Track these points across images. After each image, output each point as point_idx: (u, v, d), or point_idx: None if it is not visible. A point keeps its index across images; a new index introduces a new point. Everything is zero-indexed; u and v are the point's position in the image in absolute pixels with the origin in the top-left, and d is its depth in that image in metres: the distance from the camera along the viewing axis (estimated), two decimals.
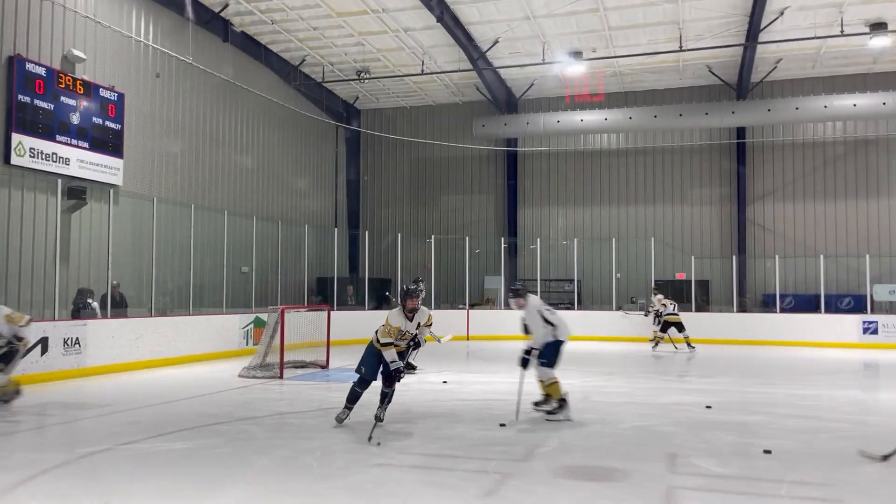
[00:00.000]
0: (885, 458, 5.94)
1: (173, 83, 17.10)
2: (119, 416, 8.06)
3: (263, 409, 8.59)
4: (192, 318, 14.16)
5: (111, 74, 15.14)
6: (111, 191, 13.95)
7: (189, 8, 16.43)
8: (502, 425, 7.54)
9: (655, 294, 17.73)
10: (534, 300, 8.24)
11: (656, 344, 16.93)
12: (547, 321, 8.01)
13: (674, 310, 16.71)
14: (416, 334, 8.76)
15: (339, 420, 7.53)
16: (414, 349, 8.30)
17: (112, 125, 14.76)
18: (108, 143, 14.65)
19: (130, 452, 6.28)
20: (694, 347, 16.45)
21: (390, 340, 7.43)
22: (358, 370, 7.57)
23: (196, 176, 17.94)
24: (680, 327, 16.57)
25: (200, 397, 9.50)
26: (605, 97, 22.67)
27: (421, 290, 12.23)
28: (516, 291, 8.34)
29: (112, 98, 14.80)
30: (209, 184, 18.42)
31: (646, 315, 18.51)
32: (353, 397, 7.58)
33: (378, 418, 7.19)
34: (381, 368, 7.51)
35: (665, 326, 16.70)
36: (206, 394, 9.78)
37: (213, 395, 9.72)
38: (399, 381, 7.53)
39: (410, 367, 11.79)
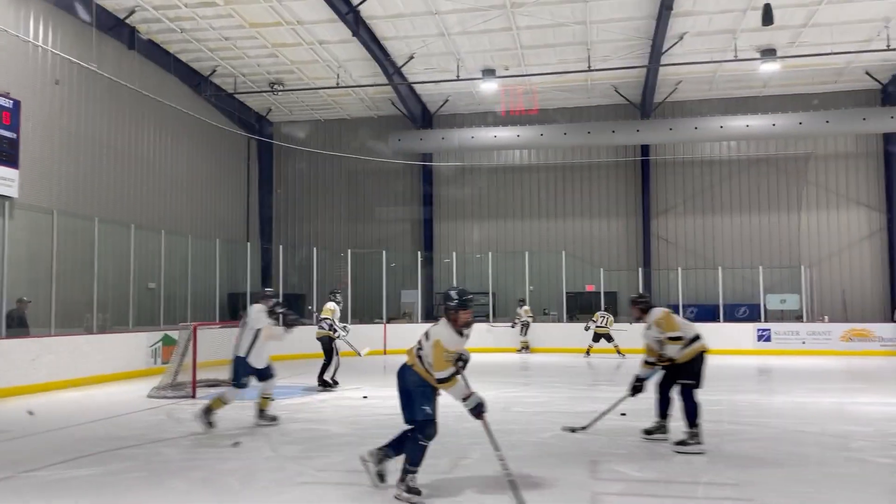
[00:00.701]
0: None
1: (75, 91, 16.33)
2: (18, 443, 7.56)
3: (177, 430, 8.26)
4: (95, 337, 13.46)
5: (6, 80, 14.29)
6: (6, 203, 13.12)
7: (93, 13, 15.72)
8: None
9: (522, 306, 19.60)
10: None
11: (587, 353, 18.30)
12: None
13: (603, 322, 18.02)
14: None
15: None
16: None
17: (7, 134, 13.93)
18: (2, 152, 13.82)
19: (34, 481, 5.91)
20: (624, 356, 17.41)
21: (452, 370, 5.61)
22: (422, 415, 5.46)
23: (100, 188, 17.15)
24: (609, 338, 17.86)
25: (107, 420, 9.04)
26: (518, 114, 23.22)
27: (339, 302, 12.18)
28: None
29: (7, 105, 13.98)
30: (114, 196, 17.64)
31: (512, 326, 19.92)
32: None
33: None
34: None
35: (596, 337, 18.10)
36: (114, 416, 9.32)
37: (120, 417, 9.26)
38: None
39: (327, 384, 11.69)
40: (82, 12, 15.86)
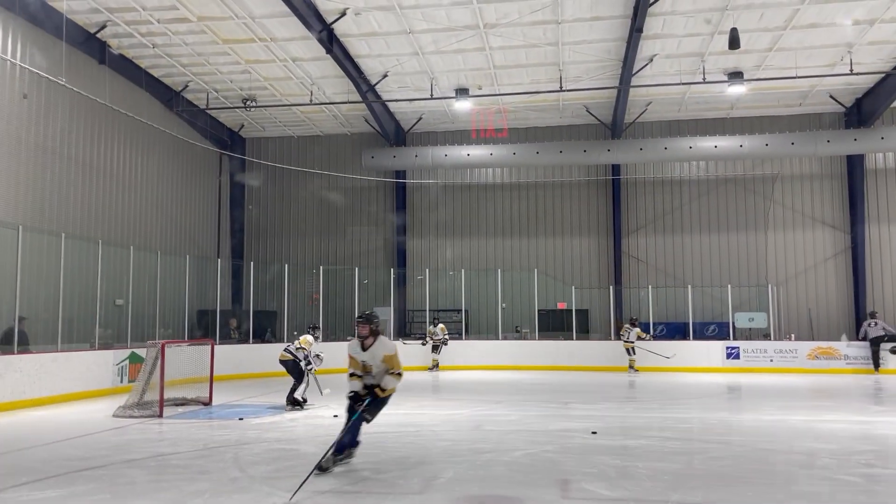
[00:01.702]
0: None
1: (43, 105, 16.11)
2: None
3: (143, 451, 8.10)
4: (60, 355, 13.17)
5: None
6: None
7: (63, 27, 15.54)
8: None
9: (437, 324, 19.85)
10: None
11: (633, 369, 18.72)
12: None
13: (627, 336, 18.91)
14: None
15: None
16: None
17: None
18: None
19: None
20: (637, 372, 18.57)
21: (353, 371, 7.30)
22: None
23: (68, 203, 16.89)
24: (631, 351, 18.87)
25: (71, 440, 8.84)
26: (491, 133, 23.39)
27: (317, 338, 11.99)
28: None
29: None
30: (82, 212, 17.38)
31: (423, 344, 20.01)
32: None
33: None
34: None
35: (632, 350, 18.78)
36: (78, 436, 9.11)
37: (85, 437, 9.06)
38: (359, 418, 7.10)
39: (297, 403, 11.52)
40: (52, 26, 15.66)
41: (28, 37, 15.47)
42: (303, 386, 11.62)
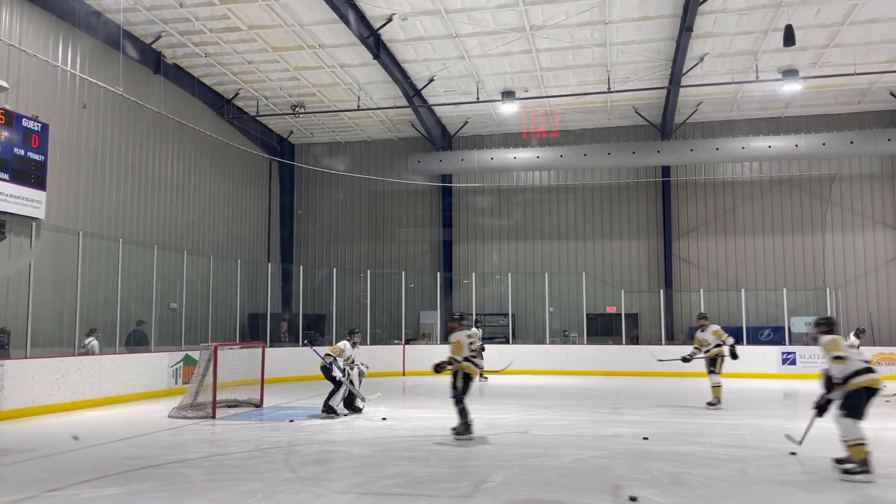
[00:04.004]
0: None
1: (101, 114, 16.64)
2: (42, 462, 7.63)
3: (197, 451, 8.28)
4: (119, 357, 13.58)
5: (35, 104, 14.60)
6: (33, 224, 13.34)
7: (120, 38, 16.06)
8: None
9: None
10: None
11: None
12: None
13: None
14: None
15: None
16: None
17: (35, 156, 14.18)
18: (31, 174, 14.05)
19: (58, 500, 5.94)
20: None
21: None
22: None
23: (124, 210, 17.41)
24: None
25: (129, 439, 9.09)
26: (538, 135, 23.27)
27: (355, 344, 11.62)
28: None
29: (35, 128, 14.24)
30: (138, 218, 17.89)
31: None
32: None
33: None
34: None
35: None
36: (135, 436, 9.37)
37: (142, 436, 9.31)
38: None
39: (332, 411, 11.29)
40: (110, 38, 16.18)
41: (87, 48, 16.02)
42: (339, 394, 11.20)
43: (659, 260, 23.17)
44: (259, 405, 12.46)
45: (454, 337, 9.38)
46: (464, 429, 8.96)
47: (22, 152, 13.86)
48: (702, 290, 20.91)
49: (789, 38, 15.14)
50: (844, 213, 22.26)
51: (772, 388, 16.39)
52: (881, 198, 22.13)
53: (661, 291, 21.63)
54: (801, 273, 22.19)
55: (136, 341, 15.05)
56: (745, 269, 22.70)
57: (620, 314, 21.10)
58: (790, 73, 18.65)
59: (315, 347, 11.80)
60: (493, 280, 22.97)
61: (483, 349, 17.64)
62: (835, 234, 22.24)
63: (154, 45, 17.58)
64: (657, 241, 23.27)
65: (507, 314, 21.80)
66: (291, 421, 10.70)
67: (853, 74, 17.86)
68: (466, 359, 9.26)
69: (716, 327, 12.87)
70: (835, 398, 7.03)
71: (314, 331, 20.59)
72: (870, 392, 6.85)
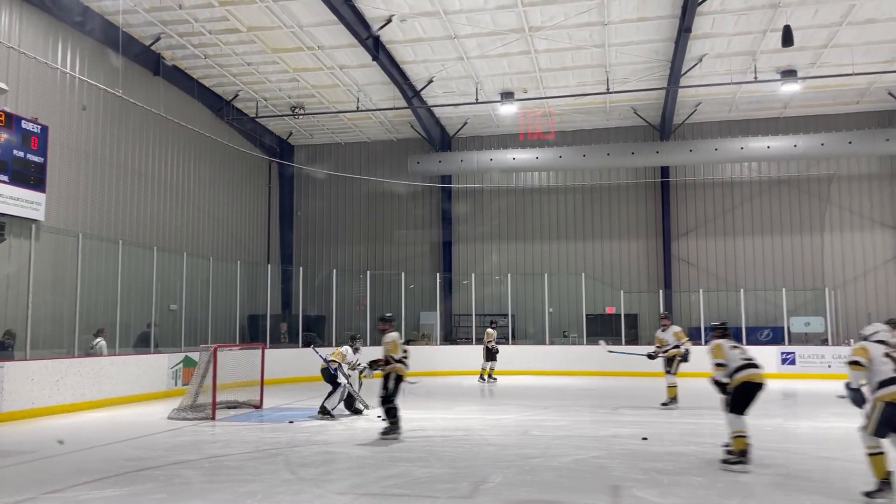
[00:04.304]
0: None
1: (101, 116, 16.66)
2: (42, 463, 7.64)
3: (197, 452, 8.29)
4: (118, 358, 13.59)
5: (34, 106, 14.62)
6: (32, 226, 13.34)
7: (119, 40, 16.07)
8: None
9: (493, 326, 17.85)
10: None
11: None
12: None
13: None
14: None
15: None
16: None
17: (34, 158, 14.20)
18: (30, 176, 14.07)
19: (57, 502, 5.96)
20: None
21: None
22: None
23: (124, 211, 17.42)
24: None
25: (129, 441, 9.11)
26: (536, 136, 23.28)
27: (357, 349, 11.65)
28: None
29: (35, 130, 14.26)
30: (138, 219, 17.90)
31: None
32: None
33: None
34: None
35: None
36: (135, 437, 9.38)
37: (142, 438, 9.32)
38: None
39: (327, 413, 11.28)
40: (109, 39, 16.19)
41: (87, 50, 16.03)
42: (336, 396, 11.21)
43: (658, 260, 23.18)
44: (259, 406, 12.48)
45: (389, 337, 9.49)
46: (391, 429, 9.10)
47: (21, 154, 13.87)
48: (701, 291, 20.92)
49: (787, 38, 15.16)
50: (843, 213, 22.28)
51: (771, 388, 16.25)
52: (880, 198, 22.15)
53: (661, 292, 21.65)
54: (800, 273, 22.21)
55: (144, 343, 15.19)
56: (744, 270, 22.71)
57: (620, 314, 21.11)
58: (789, 73, 18.67)
59: (317, 349, 11.82)
60: (493, 281, 22.98)
61: (497, 351, 17.72)
62: (833, 235, 22.26)
63: (153, 47, 17.59)
64: (656, 242, 23.29)
65: (507, 315, 21.80)
66: (291, 422, 10.71)
67: (851, 75, 17.88)
68: (399, 360, 9.39)
69: (677, 328, 12.97)
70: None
71: (313, 332, 20.60)
72: (752, 387, 7.36)
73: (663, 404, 12.52)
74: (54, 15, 15.20)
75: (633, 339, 21.35)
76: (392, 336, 9.54)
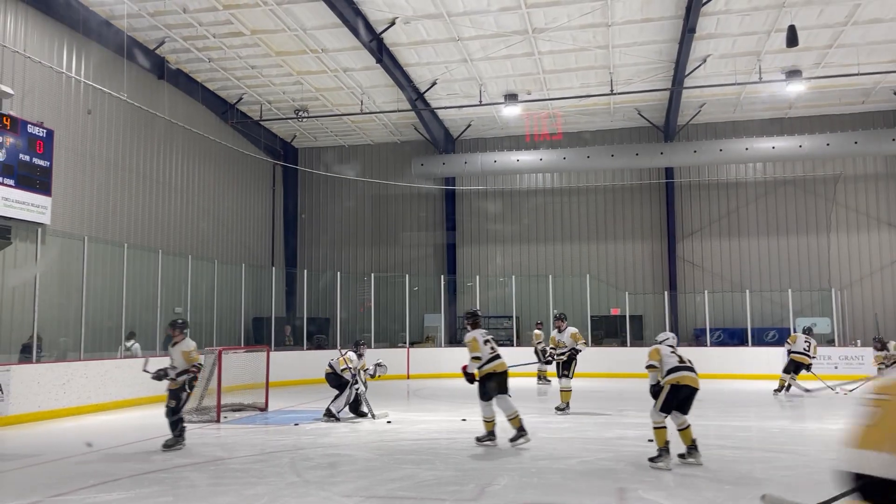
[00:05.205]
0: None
1: (106, 120, 16.71)
2: (48, 467, 7.65)
3: (202, 455, 8.30)
4: (124, 361, 13.61)
5: (40, 110, 14.68)
6: (38, 230, 13.39)
7: (124, 44, 16.13)
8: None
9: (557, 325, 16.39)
10: None
11: (786, 388, 15.15)
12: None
13: (806, 349, 14.96)
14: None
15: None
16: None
17: (40, 162, 14.24)
18: (36, 180, 14.11)
19: None
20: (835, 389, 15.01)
21: None
22: None
23: (129, 214, 17.46)
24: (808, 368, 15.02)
25: (134, 444, 9.12)
26: (540, 138, 23.27)
27: (361, 355, 11.59)
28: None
29: (40, 134, 14.30)
30: (143, 222, 17.95)
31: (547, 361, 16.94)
32: None
33: None
34: None
35: (795, 367, 14.98)
36: (141, 440, 9.39)
37: (147, 441, 9.32)
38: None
39: (332, 415, 11.25)
40: (114, 44, 16.25)
41: (91, 55, 16.08)
42: (342, 399, 11.18)
43: (663, 261, 23.14)
44: (264, 409, 12.49)
45: (187, 345, 9.06)
46: (174, 442, 8.63)
47: (27, 158, 13.92)
48: (706, 292, 20.87)
49: (792, 38, 15.12)
50: (849, 213, 22.19)
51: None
52: (886, 198, 22.06)
53: (666, 293, 21.60)
54: (807, 274, 22.13)
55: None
56: (750, 271, 22.64)
57: (625, 316, 21.06)
58: (794, 73, 18.61)
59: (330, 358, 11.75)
60: (497, 283, 22.96)
61: (545, 352, 16.14)
62: (840, 235, 22.17)
63: (158, 51, 17.65)
64: (661, 243, 23.24)
65: (511, 317, 21.79)
66: (296, 424, 10.71)
67: (857, 74, 17.82)
68: (185, 371, 8.98)
69: (573, 330, 12.28)
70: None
71: (321, 335, 20.61)
72: (682, 390, 7.41)
73: (558, 409, 11.91)
74: (59, 20, 15.26)
75: (638, 341, 21.30)
76: (188, 345, 9.09)
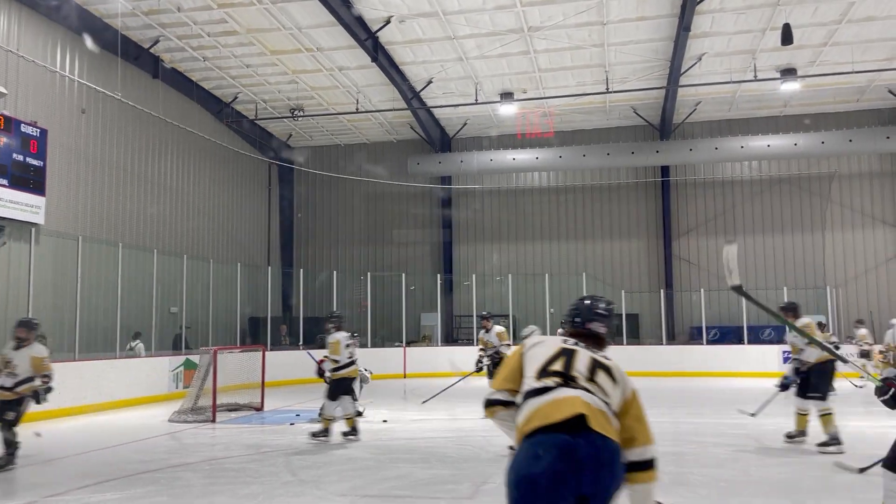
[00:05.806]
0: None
1: (100, 119, 16.65)
2: (42, 468, 7.63)
3: (198, 455, 8.28)
4: (118, 361, 13.59)
5: (33, 110, 14.62)
6: (32, 230, 13.36)
7: (118, 43, 16.08)
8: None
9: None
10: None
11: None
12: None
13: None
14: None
15: None
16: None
17: (34, 162, 14.20)
18: (30, 180, 14.07)
19: None
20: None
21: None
22: None
23: (124, 214, 17.41)
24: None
25: (129, 444, 9.09)
26: (536, 137, 23.27)
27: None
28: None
29: (34, 134, 14.26)
30: (138, 222, 17.89)
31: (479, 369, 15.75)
32: None
33: None
34: None
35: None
36: (136, 440, 9.37)
37: (142, 441, 9.31)
38: None
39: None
40: (108, 43, 16.19)
41: (85, 53, 16.02)
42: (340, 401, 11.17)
43: (659, 260, 23.16)
44: (260, 409, 12.47)
45: (39, 351, 7.83)
46: (5, 462, 7.49)
47: (21, 158, 13.88)
48: (702, 290, 20.89)
49: (787, 37, 15.15)
50: (844, 211, 22.24)
51: (772, 387, 16.32)
52: (881, 195, 22.12)
53: (662, 291, 21.62)
54: (802, 272, 22.17)
55: (177, 345, 15.73)
56: (745, 269, 22.63)
57: (621, 314, 21.05)
58: (788, 71, 18.65)
59: (311, 353, 11.76)
60: (494, 281, 22.95)
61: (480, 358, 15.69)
62: (835, 233, 22.22)
63: (152, 50, 17.59)
64: (657, 241, 23.26)
65: (508, 315, 21.76)
66: (292, 424, 10.70)
67: (851, 73, 17.87)
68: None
69: (500, 329, 11.79)
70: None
71: (322, 335, 20.56)
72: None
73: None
74: (53, 18, 15.19)
75: (634, 339, 21.33)
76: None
